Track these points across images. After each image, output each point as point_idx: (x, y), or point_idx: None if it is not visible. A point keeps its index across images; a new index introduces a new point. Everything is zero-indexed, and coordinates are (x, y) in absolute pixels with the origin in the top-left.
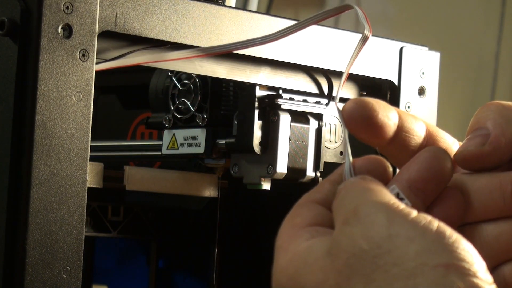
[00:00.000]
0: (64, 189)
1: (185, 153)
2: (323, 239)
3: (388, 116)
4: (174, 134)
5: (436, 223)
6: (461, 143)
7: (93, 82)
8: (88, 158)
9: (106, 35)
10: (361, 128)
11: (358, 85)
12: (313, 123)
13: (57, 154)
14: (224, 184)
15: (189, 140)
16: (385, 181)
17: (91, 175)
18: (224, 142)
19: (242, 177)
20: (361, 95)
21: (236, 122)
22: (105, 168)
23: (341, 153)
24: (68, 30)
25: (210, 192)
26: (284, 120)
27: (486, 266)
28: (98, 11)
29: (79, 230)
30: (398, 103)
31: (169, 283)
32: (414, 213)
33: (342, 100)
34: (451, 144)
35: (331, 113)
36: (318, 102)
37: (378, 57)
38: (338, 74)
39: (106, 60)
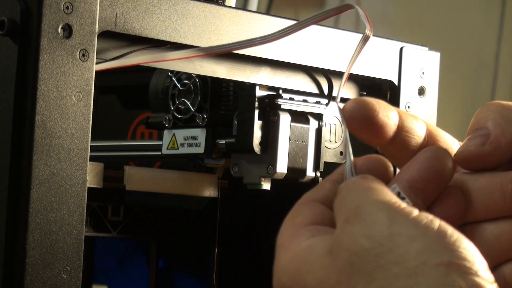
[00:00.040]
0: (64, 189)
1: (185, 153)
2: (324, 238)
3: (388, 116)
4: (174, 134)
5: (437, 222)
6: (461, 143)
7: (93, 82)
8: (88, 158)
9: (106, 35)
10: (361, 127)
11: (358, 85)
12: (313, 123)
13: (57, 154)
14: (224, 184)
15: (189, 140)
16: (386, 180)
17: (91, 175)
18: (224, 142)
19: (242, 177)
20: (361, 95)
21: (236, 122)
22: (105, 168)
23: (341, 153)
24: (68, 30)
25: (210, 192)
26: (284, 120)
27: (487, 265)
28: (98, 11)
29: (79, 230)
30: (398, 103)
31: (169, 283)
32: (415, 212)
33: (342, 100)
34: (452, 144)
35: (331, 113)
36: (318, 102)
37: (378, 57)
38: (338, 74)
39: (106, 60)
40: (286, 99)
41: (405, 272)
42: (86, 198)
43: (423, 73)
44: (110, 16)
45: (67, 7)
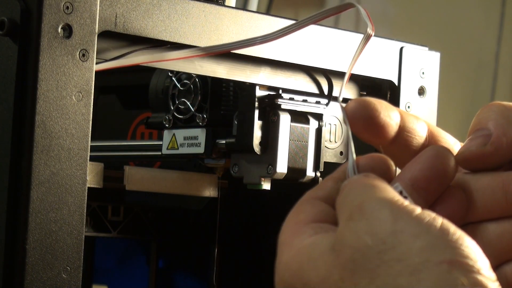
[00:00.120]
0: (64, 189)
1: (185, 153)
2: (327, 235)
3: (390, 116)
4: (174, 134)
5: (440, 220)
6: (462, 144)
7: (93, 82)
8: (88, 158)
9: (106, 35)
10: (363, 127)
11: (358, 85)
12: (313, 123)
13: (57, 154)
14: (224, 184)
15: (189, 140)
16: (388, 179)
17: (91, 175)
18: (224, 142)
19: (242, 177)
20: (361, 95)
21: (236, 122)
22: (105, 168)
23: (341, 153)
24: (68, 30)
25: (210, 192)
26: (284, 120)
27: (489, 264)
28: (98, 11)
29: (79, 230)
30: (398, 103)
31: (169, 283)
32: (418, 209)
33: (343, 100)
34: (453, 144)
35: (331, 113)
36: (318, 102)
37: (378, 57)
38: (338, 74)
39: (106, 60)
40: (286, 99)
41: (408, 269)
42: (86, 198)
43: (423, 73)
44: (110, 16)
45: (67, 7)
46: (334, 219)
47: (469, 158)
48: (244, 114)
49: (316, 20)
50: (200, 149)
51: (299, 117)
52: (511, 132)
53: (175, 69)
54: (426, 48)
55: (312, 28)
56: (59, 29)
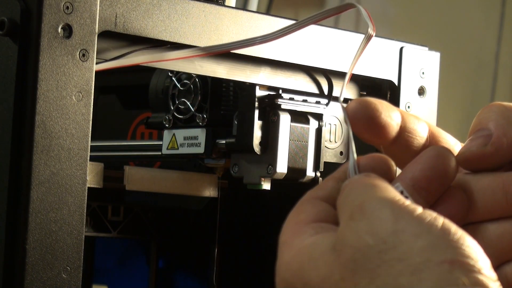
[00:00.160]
0: (64, 189)
1: (185, 153)
2: (328, 235)
3: (391, 116)
4: (174, 134)
5: (441, 220)
6: (463, 144)
7: (93, 82)
8: (88, 158)
9: (106, 35)
10: (364, 128)
11: (358, 85)
12: (313, 123)
13: (57, 154)
14: (224, 184)
15: (189, 140)
16: (389, 179)
17: (91, 175)
18: (224, 142)
19: (242, 177)
20: (361, 95)
21: (236, 122)
22: (105, 168)
23: (341, 153)
24: (68, 30)
25: (210, 192)
26: (284, 120)
27: (490, 264)
28: (98, 11)
29: (79, 230)
30: (398, 103)
31: (169, 283)
32: (419, 209)
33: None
34: (453, 145)
35: (331, 113)
36: (318, 102)
37: (378, 57)
38: (338, 74)
39: (106, 60)
40: (286, 99)
41: (409, 269)
42: (86, 198)
43: (423, 73)
44: (110, 16)
45: (67, 7)
46: (335, 219)
47: (469, 159)
48: (244, 114)
49: (316, 20)
50: (200, 149)
51: (299, 117)
52: (511, 133)
53: (175, 69)
54: (426, 48)
55: (312, 28)
56: (59, 29)
